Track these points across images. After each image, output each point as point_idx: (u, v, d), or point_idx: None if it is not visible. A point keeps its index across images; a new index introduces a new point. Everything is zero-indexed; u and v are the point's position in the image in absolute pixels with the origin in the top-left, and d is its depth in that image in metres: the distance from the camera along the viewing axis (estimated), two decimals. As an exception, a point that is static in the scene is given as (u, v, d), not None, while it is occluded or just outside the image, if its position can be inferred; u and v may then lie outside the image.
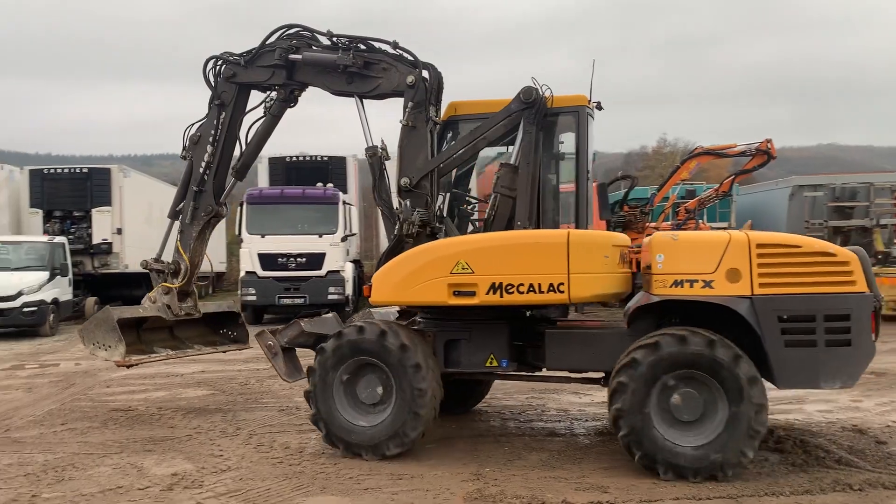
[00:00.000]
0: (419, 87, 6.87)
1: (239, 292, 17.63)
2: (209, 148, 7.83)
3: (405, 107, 6.90)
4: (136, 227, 21.85)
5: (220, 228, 20.59)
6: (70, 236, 20.39)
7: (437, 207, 6.90)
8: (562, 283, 5.85)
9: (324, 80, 7.32)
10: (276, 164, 20.95)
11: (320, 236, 17.48)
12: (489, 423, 7.31)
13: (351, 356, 6.19)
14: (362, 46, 7.14)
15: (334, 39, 7.22)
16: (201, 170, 7.87)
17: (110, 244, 20.67)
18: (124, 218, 20.98)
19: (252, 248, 17.43)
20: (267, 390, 9.30)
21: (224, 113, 7.76)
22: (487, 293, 5.96)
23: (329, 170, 20.79)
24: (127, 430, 7.15)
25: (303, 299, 17.26)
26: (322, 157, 21.26)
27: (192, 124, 7.89)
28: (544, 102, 6.74)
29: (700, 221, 17.16)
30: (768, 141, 15.70)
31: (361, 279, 22.10)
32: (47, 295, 16.70)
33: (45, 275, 16.89)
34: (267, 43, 7.40)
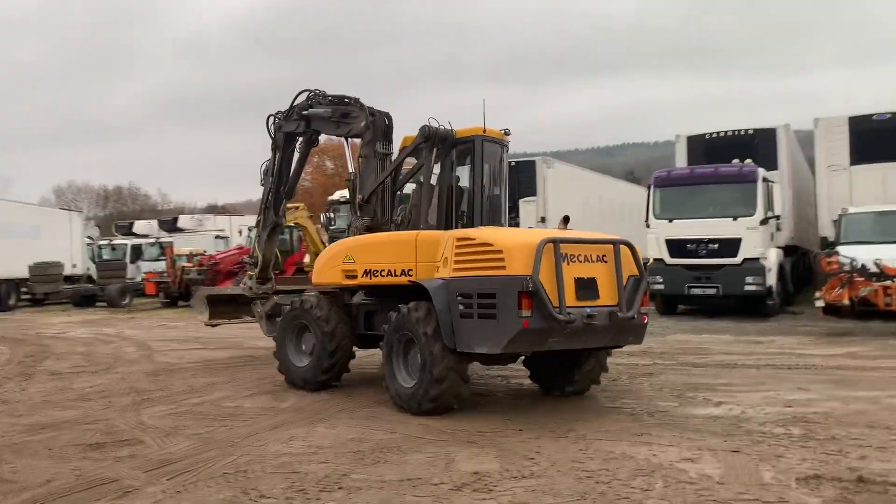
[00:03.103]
0: (369, 128, 9.15)
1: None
2: (270, 178, 10.64)
3: (361, 143, 9.30)
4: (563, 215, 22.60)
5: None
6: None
7: (387, 216, 8.99)
8: (411, 269, 7.65)
9: (325, 127, 9.94)
10: (695, 142, 19.52)
11: (735, 219, 15.68)
12: None
13: (295, 320, 8.82)
14: (337, 101, 9.64)
15: (330, 98, 9.77)
16: (267, 193, 10.79)
17: (535, 233, 21.79)
18: (548, 207, 21.88)
19: (659, 233, 16.50)
20: (631, 389, 8.53)
21: (278, 153, 10.51)
22: (363, 276, 8.16)
23: (755, 144, 18.59)
24: (470, 417, 7.13)
25: (715, 289, 15.74)
26: (746, 130, 19.12)
27: (264, 161, 10.77)
28: (451, 134, 8.45)
29: None
30: None
31: (798, 268, 19.43)
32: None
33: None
34: (295, 104, 10.08)
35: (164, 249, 31.96)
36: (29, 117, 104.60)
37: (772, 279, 15.74)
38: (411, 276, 7.56)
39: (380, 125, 9.19)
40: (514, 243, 6.75)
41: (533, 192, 21.96)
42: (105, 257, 34.80)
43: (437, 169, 8.52)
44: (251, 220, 38.95)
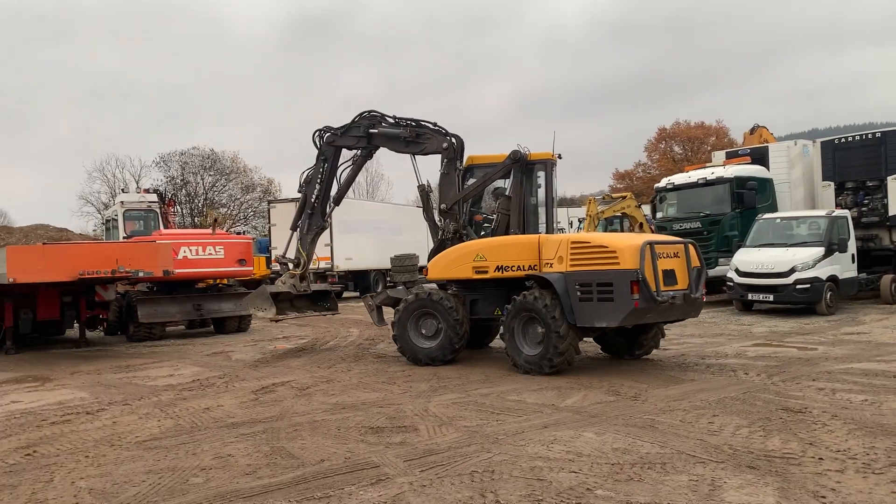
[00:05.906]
0: (450, 149, 11.37)
1: None
2: (317, 186, 12.51)
3: (441, 161, 11.46)
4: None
5: None
6: (863, 208, 18.95)
7: (463, 222, 11.43)
8: (535, 265, 9.66)
9: (390, 145, 11.92)
10: None
11: None
12: None
13: (418, 308, 10.58)
14: (413, 123, 11.68)
15: (397, 119, 11.86)
16: (312, 199, 12.53)
17: (916, 215, 18.21)
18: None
19: None
20: None
21: (327, 164, 12.47)
22: (494, 271, 10.09)
23: None
24: (764, 436, 6.11)
25: None
26: None
27: (304, 171, 12.76)
28: (526, 157, 11.22)
29: None
30: None
31: None
32: (822, 272, 15.88)
33: (820, 251, 16.11)
34: (355, 121, 12.14)
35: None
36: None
37: None
38: (535, 270, 9.55)
39: (458, 146, 11.33)
40: (624, 245, 8.98)
41: (906, 168, 18.37)
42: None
43: (505, 183, 11.49)
44: (582, 211, 39.32)
